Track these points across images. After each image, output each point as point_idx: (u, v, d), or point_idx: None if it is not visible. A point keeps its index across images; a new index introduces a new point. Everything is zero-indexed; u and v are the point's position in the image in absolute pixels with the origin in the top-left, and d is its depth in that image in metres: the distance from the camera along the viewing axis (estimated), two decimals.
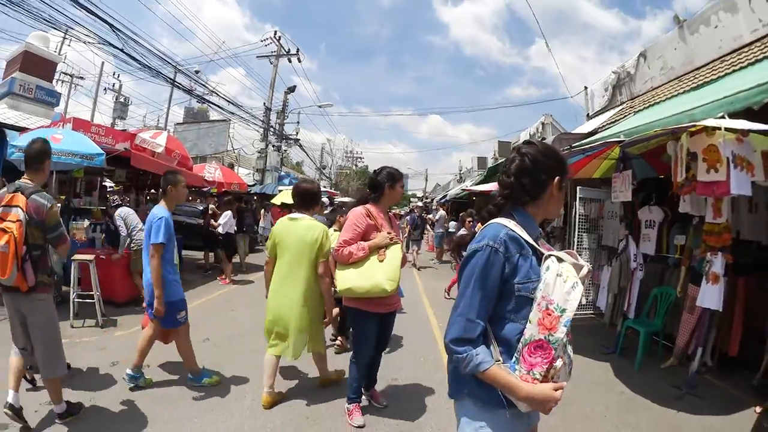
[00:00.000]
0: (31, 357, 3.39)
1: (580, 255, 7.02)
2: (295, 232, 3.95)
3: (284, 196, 13.82)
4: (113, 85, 26.47)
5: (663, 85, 9.91)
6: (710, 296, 4.60)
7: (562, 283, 1.55)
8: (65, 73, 25.89)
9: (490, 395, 1.64)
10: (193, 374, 4.41)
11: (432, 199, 39.44)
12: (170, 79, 14.20)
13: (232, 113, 17.61)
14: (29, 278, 3.10)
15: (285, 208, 12.52)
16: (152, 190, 10.68)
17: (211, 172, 11.18)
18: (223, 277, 9.69)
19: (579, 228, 7.46)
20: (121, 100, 25.95)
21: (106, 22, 10.35)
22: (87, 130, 7.69)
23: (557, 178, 1.75)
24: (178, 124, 23.90)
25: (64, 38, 23.84)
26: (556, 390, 1.54)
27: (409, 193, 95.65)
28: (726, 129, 4.05)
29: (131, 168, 8.79)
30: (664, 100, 8.53)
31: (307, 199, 4.09)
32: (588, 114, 13.17)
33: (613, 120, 10.35)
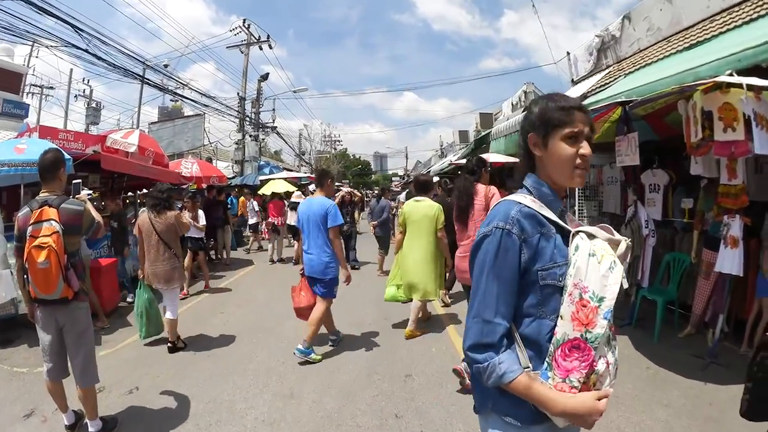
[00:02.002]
0: (59, 372, 3.36)
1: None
2: (420, 209, 5.42)
3: (273, 185, 13.53)
4: (83, 91, 25.61)
5: (650, 46, 9.65)
6: (729, 261, 4.40)
7: (596, 265, 1.24)
8: (35, 85, 25.04)
9: (519, 410, 1.33)
10: (306, 345, 4.90)
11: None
12: (139, 76, 13.50)
13: (206, 105, 16.88)
14: (74, 284, 3.15)
15: (275, 198, 12.46)
16: (129, 193, 10.07)
17: (188, 167, 10.50)
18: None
19: (579, 196, 7.21)
20: (93, 105, 25.05)
21: (67, 23, 9.66)
22: (55, 137, 7.21)
23: (531, 134, 1.43)
24: (152, 123, 22.97)
25: (32, 50, 23.74)
26: (599, 399, 1.24)
27: (390, 172, 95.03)
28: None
29: (104, 172, 8.32)
30: (656, 61, 8.29)
31: (425, 187, 5.69)
32: (573, 80, 12.86)
33: (603, 84, 10.05)
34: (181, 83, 14.97)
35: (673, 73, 5.06)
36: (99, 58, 10.56)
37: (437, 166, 23.65)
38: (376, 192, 12.49)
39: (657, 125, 6.25)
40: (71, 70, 23.74)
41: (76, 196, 3.45)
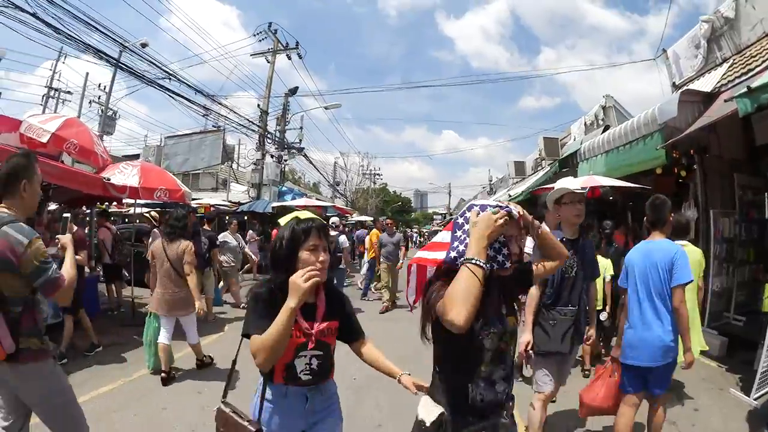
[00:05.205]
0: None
1: None
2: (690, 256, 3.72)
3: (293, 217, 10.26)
4: (98, 98, 24.06)
5: None
6: None
7: None
8: (52, 88, 24.22)
9: None
10: None
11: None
12: (114, 59, 11.13)
13: (207, 109, 14.26)
14: (5, 344, 2.30)
15: None
16: (54, 205, 7.06)
17: (126, 172, 6.94)
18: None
19: None
20: (109, 113, 23.36)
21: None
22: None
23: None
24: (168, 137, 20.90)
25: (59, 56, 23.73)
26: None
27: (430, 210, 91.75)
28: None
29: None
30: None
31: (686, 229, 4.52)
32: (674, 83, 9.82)
33: (733, 77, 7.18)
34: (167, 73, 12.35)
35: None
36: (49, 25, 8.09)
37: (505, 194, 20.60)
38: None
39: None
40: (87, 73, 22.40)
41: (57, 237, 2.81)
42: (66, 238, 2.70)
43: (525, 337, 3.41)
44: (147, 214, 8.95)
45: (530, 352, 3.43)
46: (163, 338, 5.00)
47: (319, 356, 2.02)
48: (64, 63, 24.94)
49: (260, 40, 18.45)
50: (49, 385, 2.54)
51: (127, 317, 7.38)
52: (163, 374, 4.92)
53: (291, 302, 1.75)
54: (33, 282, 2.37)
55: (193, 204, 13.15)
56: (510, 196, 14.58)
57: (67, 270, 2.48)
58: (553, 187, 10.15)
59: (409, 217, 78.44)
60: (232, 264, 9.22)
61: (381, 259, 10.18)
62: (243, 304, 8.94)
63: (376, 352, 2.23)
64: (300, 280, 1.76)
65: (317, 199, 21.94)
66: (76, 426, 2.64)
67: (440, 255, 1.93)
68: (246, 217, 14.54)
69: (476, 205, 1.77)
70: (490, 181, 34.51)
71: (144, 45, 14.30)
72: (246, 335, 1.85)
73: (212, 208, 13.57)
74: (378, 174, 53.17)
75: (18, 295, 2.39)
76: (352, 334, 2.24)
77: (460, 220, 1.80)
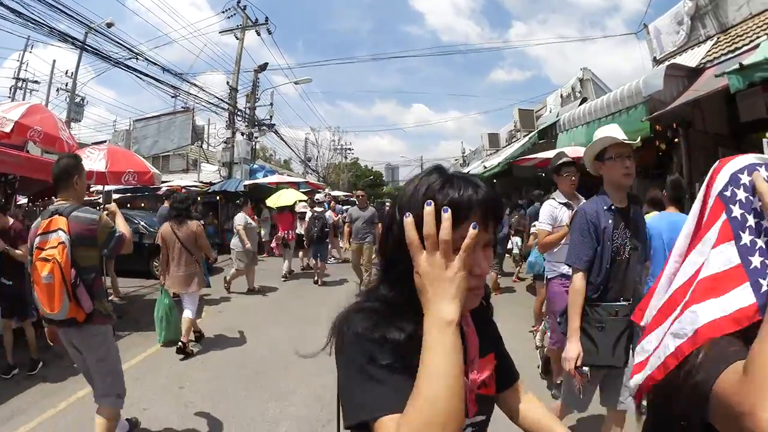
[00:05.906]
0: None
1: None
2: None
3: (285, 197, 10.45)
4: (66, 85, 23.32)
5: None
6: None
7: None
8: (19, 78, 23.93)
9: None
10: None
11: None
12: (79, 41, 10.55)
13: (176, 89, 13.76)
14: (85, 305, 2.77)
15: (285, 211, 10.18)
16: (24, 198, 6.86)
17: (92, 156, 6.56)
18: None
19: None
20: (77, 100, 22.58)
21: None
22: None
23: None
24: (136, 120, 20.28)
25: (26, 44, 23.64)
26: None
27: (402, 183, 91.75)
28: None
29: None
30: None
31: None
32: (655, 57, 9.86)
33: (720, 52, 7.24)
34: (134, 52, 11.79)
35: None
36: (13, 11, 7.57)
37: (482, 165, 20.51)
38: None
39: None
40: (54, 61, 21.76)
41: (106, 205, 3.53)
42: (113, 206, 3.30)
43: (572, 348, 2.41)
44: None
45: (584, 369, 2.43)
46: (188, 314, 5.37)
47: (480, 423, 1.05)
48: (31, 52, 24.92)
49: (229, 17, 18.00)
50: (108, 350, 2.98)
51: None
52: (180, 344, 5.27)
53: (447, 312, 0.77)
54: (106, 246, 2.94)
55: (164, 186, 12.82)
56: (485, 167, 14.48)
57: (123, 228, 3.04)
58: (536, 157, 10.07)
59: (381, 191, 78.47)
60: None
61: (351, 238, 8.61)
62: (228, 286, 8.62)
63: (542, 408, 1.21)
64: (440, 262, 0.78)
65: (289, 175, 21.66)
66: (119, 383, 3.06)
67: (736, 302, 0.90)
68: (218, 198, 14.16)
69: (747, 167, 0.98)
70: (463, 153, 34.44)
71: (110, 25, 13.83)
72: (368, 423, 0.78)
73: (183, 190, 13.20)
74: (349, 149, 53.37)
75: (91, 264, 2.90)
76: (508, 375, 1.20)
77: (741, 194, 0.96)
